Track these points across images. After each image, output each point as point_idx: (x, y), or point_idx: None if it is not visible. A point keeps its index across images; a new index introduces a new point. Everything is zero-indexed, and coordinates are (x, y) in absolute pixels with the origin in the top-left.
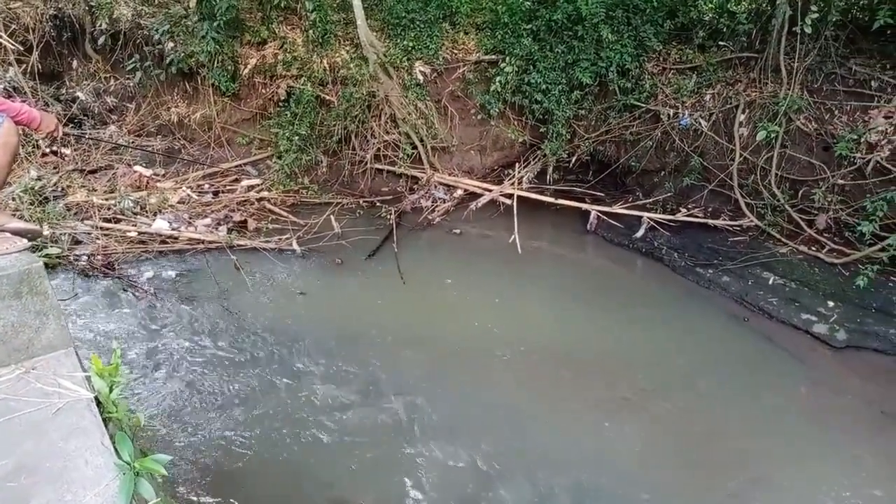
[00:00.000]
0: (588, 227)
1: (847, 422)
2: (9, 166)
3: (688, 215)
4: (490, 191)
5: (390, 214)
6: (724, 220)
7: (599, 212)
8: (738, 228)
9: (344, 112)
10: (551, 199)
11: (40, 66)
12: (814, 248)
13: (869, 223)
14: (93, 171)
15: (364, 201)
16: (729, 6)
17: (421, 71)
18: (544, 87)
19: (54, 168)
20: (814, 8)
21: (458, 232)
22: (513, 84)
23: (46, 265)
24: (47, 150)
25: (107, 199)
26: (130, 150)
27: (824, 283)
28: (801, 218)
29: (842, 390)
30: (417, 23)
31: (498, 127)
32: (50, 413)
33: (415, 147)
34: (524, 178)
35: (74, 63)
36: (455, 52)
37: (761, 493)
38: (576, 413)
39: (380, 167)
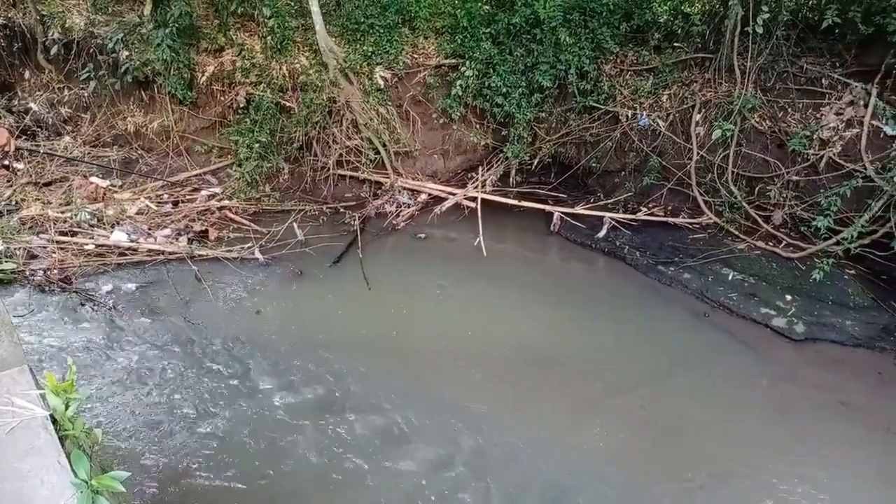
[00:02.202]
0: (551, 228)
1: (807, 413)
2: None
3: (648, 214)
4: (454, 194)
5: (354, 220)
6: (684, 218)
7: (562, 213)
8: (698, 226)
9: (305, 118)
10: (515, 202)
11: None
12: (771, 244)
13: (824, 218)
14: (47, 184)
15: (327, 208)
16: (683, 8)
17: (381, 76)
18: (505, 90)
19: (7, 182)
20: (765, 8)
21: (423, 236)
22: (473, 88)
23: (0, 281)
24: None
25: (63, 212)
26: (86, 161)
27: (782, 277)
28: (757, 214)
29: (801, 382)
30: (377, 28)
31: (460, 131)
32: (3, 433)
33: (377, 152)
34: (487, 182)
35: (26, 73)
36: (415, 56)
37: (725, 485)
38: (544, 412)
39: (342, 173)
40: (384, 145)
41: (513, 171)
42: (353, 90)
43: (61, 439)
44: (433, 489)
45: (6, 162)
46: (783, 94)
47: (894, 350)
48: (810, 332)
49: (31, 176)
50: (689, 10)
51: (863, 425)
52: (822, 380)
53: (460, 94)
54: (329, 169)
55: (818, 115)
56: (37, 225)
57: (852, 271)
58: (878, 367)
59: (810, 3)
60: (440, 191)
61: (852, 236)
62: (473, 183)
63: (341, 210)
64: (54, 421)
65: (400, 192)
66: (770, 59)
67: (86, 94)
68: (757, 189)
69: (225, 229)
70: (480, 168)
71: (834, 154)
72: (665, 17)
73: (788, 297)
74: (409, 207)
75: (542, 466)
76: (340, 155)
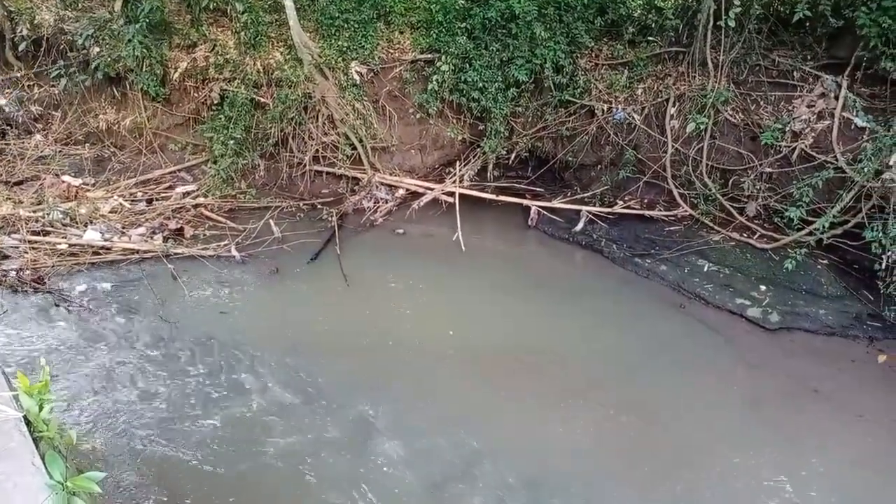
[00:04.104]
0: (529, 222)
1: (781, 401)
2: None
3: (625, 207)
4: (432, 189)
5: (332, 216)
6: (660, 210)
7: (540, 207)
8: (673, 218)
9: (280, 114)
10: (492, 196)
11: None
12: (745, 235)
13: (796, 209)
14: (18, 183)
15: (304, 204)
16: (656, 2)
17: (357, 71)
18: (481, 85)
19: None
20: (737, 2)
21: (402, 231)
22: (450, 83)
23: None
24: None
25: (34, 212)
26: (58, 159)
27: (756, 268)
28: (732, 206)
29: (776, 371)
30: (351, 23)
31: (437, 126)
32: None
33: (354, 148)
34: (465, 176)
35: None
36: (391, 51)
37: (702, 476)
38: (524, 408)
39: (319, 169)
40: (361, 141)
41: (490, 166)
42: (328, 86)
43: (35, 441)
44: (407, 487)
45: None
46: (756, 87)
47: (866, 338)
48: (784, 321)
49: (0, 175)
50: (662, 4)
51: (836, 412)
52: (797, 368)
53: (437, 88)
54: (305, 165)
55: (790, 108)
56: (8, 224)
57: (825, 261)
58: (850, 355)
59: None
60: (418, 186)
61: (824, 227)
62: (451, 178)
63: (318, 206)
64: (28, 423)
65: (377, 187)
66: (742, 52)
67: (56, 92)
68: (731, 181)
69: (200, 227)
70: (458, 163)
71: (806, 146)
72: (639, 11)
73: (763, 288)
74: (386, 203)
75: (519, 463)
76: (317, 151)
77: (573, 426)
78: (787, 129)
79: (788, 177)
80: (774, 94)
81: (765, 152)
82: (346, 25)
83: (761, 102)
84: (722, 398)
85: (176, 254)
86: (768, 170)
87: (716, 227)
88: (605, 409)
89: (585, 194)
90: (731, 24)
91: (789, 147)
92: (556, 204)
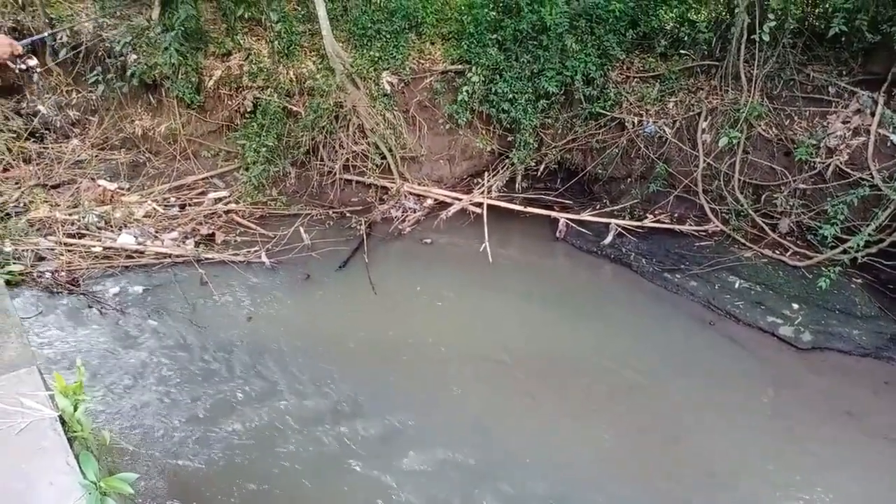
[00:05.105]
0: (557, 234)
1: (813, 423)
2: None
3: (654, 221)
4: (460, 200)
5: (360, 225)
6: (690, 225)
7: (568, 219)
8: (704, 233)
9: (311, 123)
10: (520, 208)
11: None
12: (777, 252)
13: (830, 226)
14: (55, 186)
15: (333, 212)
16: (689, 15)
17: (388, 81)
18: (511, 96)
19: (16, 183)
20: (771, 16)
21: (429, 241)
22: (480, 93)
23: (9, 282)
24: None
25: (70, 214)
26: (94, 164)
27: (788, 285)
28: (764, 222)
29: (808, 392)
30: (383, 33)
31: (466, 136)
32: (13, 433)
33: (384, 157)
34: (493, 187)
35: (35, 76)
36: (422, 62)
37: (728, 496)
38: (548, 419)
39: (349, 177)
40: (390, 150)
41: (518, 177)
42: (359, 95)
43: (70, 441)
44: (435, 494)
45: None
46: (790, 102)
47: None
48: (817, 341)
49: (39, 178)
50: (695, 17)
51: (870, 435)
52: (829, 389)
53: (466, 99)
54: (335, 173)
55: (825, 124)
56: (45, 227)
57: (859, 280)
58: (884, 376)
59: (817, 11)
60: (446, 196)
61: (859, 245)
62: (479, 188)
63: (347, 214)
64: (63, 422)
65: (406, 197)
66: (776, 66)
67: (94, 98)
68: (763, 197)
69: (231, 233)
70: (486, 173)
71: (841, 162)
72: (671, 24)
73: (795, 306)
74: (414, 212)
75: (544, 473)
76: (347, 159)
77: (598, 440)
78: (822, 144)
79: (823, 193)
80: (809, 110)
81: (798, 168)
82: (378, 36)
83: (795, 118)
84: (751, 417)
85: (207, 259)
86: (802, 186)
87: (747, 244)
88: (631, 423)
89: (615, 207)
90: (766, 38)
91: (824, 163)
92: (585, 216)
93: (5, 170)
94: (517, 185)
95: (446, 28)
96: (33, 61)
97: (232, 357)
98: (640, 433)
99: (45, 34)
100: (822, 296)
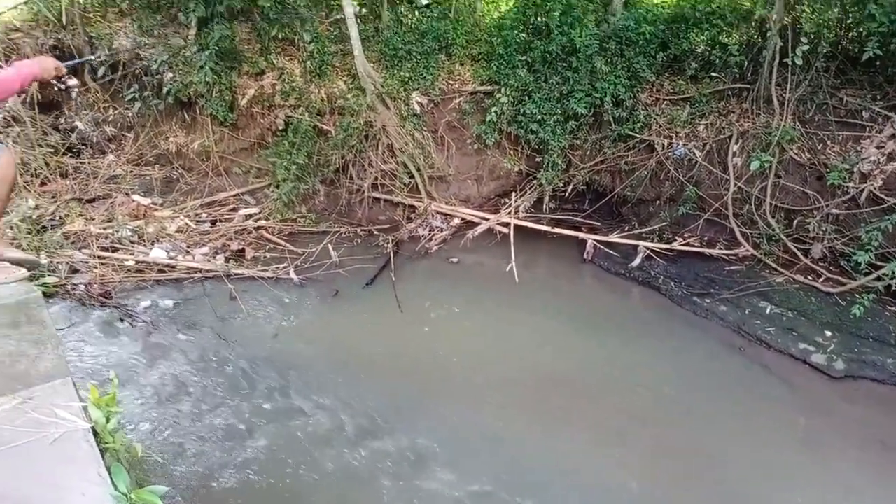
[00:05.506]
0: (585, 256)
1: (846, 453)
2: (7, 197)
3: (684, 244)
4: (487, 220)
5: (388, 243)
6: (720, 249)
7: (596, 241)
8: (734, 257)
9: (342, 141)
10: (548, 228)
11: (39, 96)
12: (810, 278)
13: (864, 253)
14: (91, 200)
15: (362, 230)
16: (720, 38)
17: (418, 101)
18: (539, 117)
19: (52, 197)
20: (804, 40)
21: (456, 260)
22: (508, 114)
23: (44, 294)
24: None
25: (104, 228)
26: (128, 179)
27: (821, 312)
28: (796, 247)
29: (840, 421)
30: (414, 54)
31: (494, 156)
32: (46, 443)
33: (412, 176)
34: (520, 207)
35: (73, 93)
36: (451, 82)
37: None
38: (573, 443)
39: (377, 196)
40: (419, 169)
41: (546, 198)
42: (389, 115)
43: (102, 452)
44: None
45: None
46: (822, 126)
47: None
48: (850, 369)
49: (75, 192)
50: (726, 40)
51: None
52: (863, 419)
53: (495, 120)
54: (364, 192)
55: (858, 148)
56: (79, 240)
57: (894, 308)
58: None
59: (850, 35)
60: (473, 216)
61: (893, 272)
62: (506, 208)
63: (375, 232)
64: (95, 434)
65: (433, 216)
66: (809, 90)
67: (130, 114)
68: (795, 222)
69: (261, 249)
70: (514, 194)
71: (875, 188)
72: (702, 47)
73: (828, 333)
74: (441, 231)
75: (567, 496)
76: (375, 178)
77: (624, 464)
78: (856, 169)
79: (856, 219)
80: (842, 134)
81: (831, 193)
82: (408, 57)
83: (828, 142)
84: (781, 446)
85: (236, 274)
86: (835, 211)
87: (779, 269)
88: (658, 447)
89: (643, 230)
90: (798, 62)
91: (857, 188)
92: (613, 238)
93: (43, 183)
94: (545, 206)
95: (476, 49)
96: (73, 81)
97: (258, 371)
98: (667, 460)
99: (90, 58)
100: (855, 323)
